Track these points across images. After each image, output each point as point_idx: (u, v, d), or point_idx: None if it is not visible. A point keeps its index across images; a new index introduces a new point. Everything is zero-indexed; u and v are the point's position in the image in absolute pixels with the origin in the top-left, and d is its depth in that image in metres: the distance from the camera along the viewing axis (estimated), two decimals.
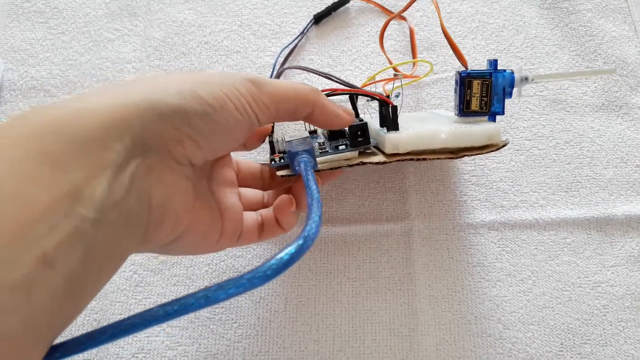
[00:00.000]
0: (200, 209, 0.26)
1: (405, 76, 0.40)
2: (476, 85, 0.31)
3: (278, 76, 0.40)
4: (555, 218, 0.37)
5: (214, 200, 0.29)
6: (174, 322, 0.36)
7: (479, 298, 0.35)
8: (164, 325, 0.36)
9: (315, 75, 0.34)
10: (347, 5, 0.47)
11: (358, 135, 0.31)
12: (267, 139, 0.33)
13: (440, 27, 0.34)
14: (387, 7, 0.46)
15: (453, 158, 0.31)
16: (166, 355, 0.35)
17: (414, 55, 0.43)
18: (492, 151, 0.31)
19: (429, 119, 0.36)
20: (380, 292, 0.36)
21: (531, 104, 0.41)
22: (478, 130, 0.30)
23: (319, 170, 0.30)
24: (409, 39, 0.44)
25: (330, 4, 0.46)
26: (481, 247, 0.37)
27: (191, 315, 0.36)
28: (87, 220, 0.17)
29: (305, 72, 0.43)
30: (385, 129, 0.31)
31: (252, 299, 0.36)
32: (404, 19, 0.45)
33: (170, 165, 0.22)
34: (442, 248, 0.37)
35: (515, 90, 0.32)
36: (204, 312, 0.36)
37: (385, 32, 0.44)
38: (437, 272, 0.36)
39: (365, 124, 0.31)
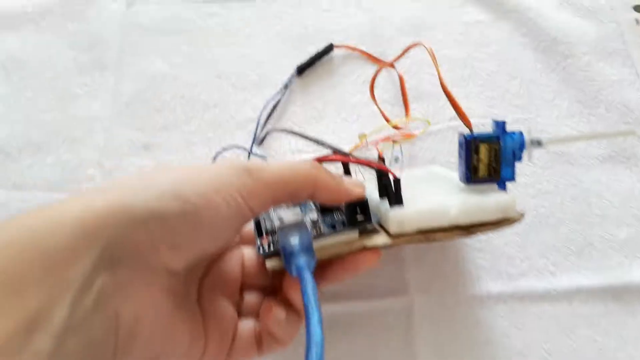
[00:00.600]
0: (180, 325, 0.22)
1: (403, 136, 0.36)
2: (483, 150, 0.27)
3: (262, 139, 0.36)
4: (567, 287, 0.32)
5: (199, 310, 0.24)
6: None
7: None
8: None
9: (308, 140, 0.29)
10: (331, 54, 0.43)
11: (357, 212, 0.26)
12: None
13: (434, 77, 0.30)
14: (373, 54, 0.42)
15: (464, 236, 0.26)
16: None
17: (405, 106, 0.39)
18: (508, 225, 0.26)
19: (430, 182, 0.32)
20: None
21: (534, 158, 0.37)
22: (491, 203, 0.26)
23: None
24: (398, 88, 0.40)
25: (313, 54, 0.42)
26: (488, 322, 0.32)
27: None
28: (43, 353, 0.16)
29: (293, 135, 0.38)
30: (386, 202, 0.26)
31: None
32: (392, 66, 0.40)
33: (143, 276, 0.20)
34: (446, 326, 0.32)
35: (525, 153, 0.28)
36: None
37: (367, 83, 0.39)
38: (442, 354, 0.31)
39: (366, 201, 0.26)
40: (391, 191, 0.26)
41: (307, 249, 0.23)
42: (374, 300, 0.33)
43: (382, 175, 0.26)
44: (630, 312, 0.32)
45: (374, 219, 0.26)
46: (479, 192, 0.27)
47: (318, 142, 0.27)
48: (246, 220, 0.23)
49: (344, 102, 0.40)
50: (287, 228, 0.24)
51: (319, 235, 0.26)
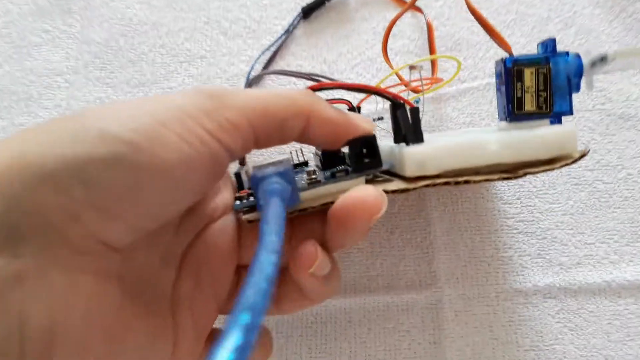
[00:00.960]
0: (133, 322, 0.17)
1: (425, 80, 0.30)
2: (529, 75, 0.22)
3: (250, 85, 0.30)
4: (633, 280, 0.27)
5: (168, 301, 0.19)
6: None
7: None
8: None
9: (301, 80, 0.24)
10: None
11: (364, 155, 0.20)
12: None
13: (473, 22, 0.23)
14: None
15: (509, 178, 0.20)
16: None
17: (433, 67, 0.32)
18: (567, 165, 0.20)
19: (465, 133, 0.26)
20: None
21: (590, 121, 0.31)
22: (544, 135, 0.21)
23: (304, 210, 0.20)
24: (426, 37, 0.34)
25: None
26: (535, 324, 0.27)
27: None
28: None
29: (285, 76, 0.32)
30: (403, 145, 0.21)
31: None
32: (419, 10, 0.34)
33: (60, 259, 0.14)
34: (482, 326, 0.27)
35: (583, 80, 0.22)
36: None
37: (394, 29, 0.33)
38: (476, 357, 0.26)
39: (374, 137, 0.20)
40: (407, 124, 0.21)
41: (284, 175, 0.18)
42: (396, 293, 0.28)
43: (397, 107, 0.21)
44: None
45: (386, 166, 0.21)
46: (525, 127, 0.22)
47: (316, 78, 0.22)
48: (221, 164, 0.17)
49: (360, 55, 0.34)
50: (264, 166, 0.19)
51: (316, 183, 0.20)
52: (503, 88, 0.22)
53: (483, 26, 0.23)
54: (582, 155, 0.21)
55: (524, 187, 0.30)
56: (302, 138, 0.19)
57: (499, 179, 0.20)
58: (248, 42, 0.35)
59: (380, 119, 0.28)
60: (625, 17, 0.34)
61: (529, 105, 0.22)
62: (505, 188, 0.30)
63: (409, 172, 0.20)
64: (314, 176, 0.21)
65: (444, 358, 0.26)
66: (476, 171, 0.20)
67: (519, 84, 0.22)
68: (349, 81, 0.33)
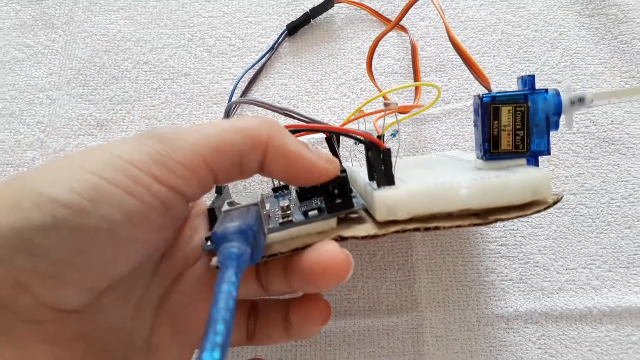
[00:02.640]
0: None
1: (402, 109, 0.33)
2: (506, 113, 0.23)
3: (227, 114, 0.33)
4: (614, 307, 0.30)
5: (145, 351, 0.21)
6: None
7: None
8: None
9: (277, 113, 0.26)
10: (331, 11, 0.40)
11: (335, 195, 0.22)
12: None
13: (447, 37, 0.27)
14: (383, 15, 0.39)
15: (480, 225, 0.22)
16: None
17: (416, 77, 0.36)
18: (540, 211, 0.22)
19: (439, 165, 0.28)
20: None
21: (574, 144, 0.35)
22: (516, 180, 0.22)
23: (274, 255, 0.22)
24: (411, 57, 0.37)
25: (307, 10, 0.39)
26: (516, 349, 0.30)
27: None
28: None
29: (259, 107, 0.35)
30: (374, 184, 0.23)
31: None
32: (404, 30, 0.38)
33: (14, 333, 0.15)
34: (462, 350, 0.30)
35: (563, 117, 0.24)
36: None
37: (378, 49, 0.37)
38: None
39: (345, 177, 0.22)
40: (378, 167, 0.22)
41: (246, 234, 0.19)
42: (377, 317, 0.31)
43: (370, 149, 0.23)
44: None
45: (358, 206, 0.23)
46: (502, 169, 0.24)
47: (290, 114, 0.24)
48: (176, 210, 0.18)
49: (345, 74, 0.38)
50: (234, 211, 0.21)
51: (288, 223, 0.23)
52: (479, 123, 0.24)
53: (463, 59, 0.26)
54: (556, 202, 0.22)
55: None
56: (263, 172, 0.20)
57: (469, 225, 0.22)
58: (232, 60, 0.38)
59: (394, 134, 0.30)
60: (611, 39, 0.38)
61: (505, 144, 0.24)
62: None
63: (379, 216, 0.22)
64: (288, 212, 0.23)
65: None
66: (447, 215, 0.22)
67: (495, 122, 0.23)
68: (333, 101, 0.37)
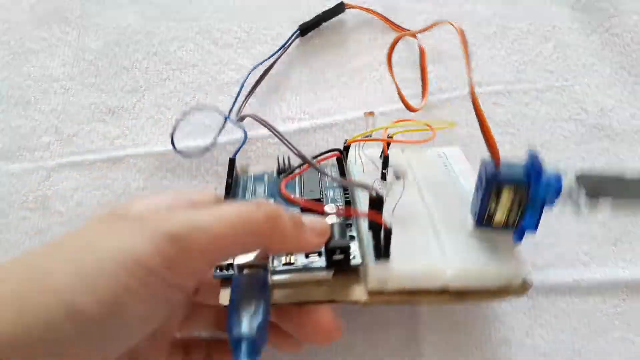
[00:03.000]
0: None
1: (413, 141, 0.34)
2: (507, 194, 0.25)
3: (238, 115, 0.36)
4: (602, 280, 0.33)
5: None
6: None
7: None
8: None
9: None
10: (342, 15, 0.42)
11: (335, 253, 0.25)
12: None
13: (454, 35, 0.29)
14: (393, 21, 0.42)
15: (454, 303, 0.26)
16: None
17: (423, 86, 0.38)
18: (509, 297, 0.26)
19: (435, 207, 0.29)
20: None
21: (566, 131, 0.37)
22: (494, 271, 0.26)
23: (273, 304, 0.25)
24: (416, 56, 0.39)
25: (320, 13, 0.41)
26: (507, 319, 0.32)
27: None
28: None
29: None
30: (372, 255, 0.26)
31: None
32: (414, 36, 0.40)
33: None
34: (454, 320, 0.32)
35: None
36: None
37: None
38: (450, 355, 0.32)
39: (348, 247, 0.25)
40: (378, 241, 0.26)
41: (257, 344, 0.22)
42: None
43: (372, 226, 0.26)
44: None
45: (356, 262, 0.26)
46: (484, 243, 0.27)
47: (289, 145, 0.27)
48: (174, 304, 0.21)
49: (352, 74, 0.40)
50: (244, 287, 0.24)
51: (290, 267, 0.26)
52: (481, 190, 0.25)
53: (483, 128, 0.25)
54: (524, 292, 0.26)
55: None
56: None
57: (446, 302, 0.26)
58: (238, 52, 0.41)
59: (399, 177, 0.30)
60: (602, 32, 0.40)
61: (498, 220, 0.26)
62: None
63: (371, 286, 0.26)
64: (291, 265, 0.26)
65: (418, 352, 0.32)
66: (427, 292, 0.26)
67: (495, 200, 0.25)
68: (341, 99, 0.39)
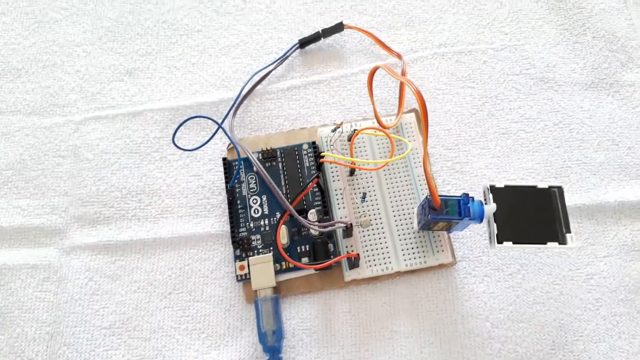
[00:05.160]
0: None
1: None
2: (441, 224, 0.29)
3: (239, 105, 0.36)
4: None
5: None
6: (135, 333, 0.32)
7: (465, 295, 0.32)
8: (125, 336, 0.32)
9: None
10: (340, 35, 0.39)
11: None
12: None
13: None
14: (388, 45, 0.38)
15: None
16: None
17: (399, 107, 0.35)
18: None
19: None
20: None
21: (517, 83, 0.38)
22: (434, 256, 0.32)
23: None
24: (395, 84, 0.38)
25: (320, 30, 0.39)
26: (466, 240, 0.34)
27: (154, 324, 0.32)
28: None
29: (270, 99, 0.38)
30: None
31: (222, 307, 0.32)
32: (399, 57, 0.37)
33: None
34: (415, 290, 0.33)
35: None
36: (169, 321, 0.32)
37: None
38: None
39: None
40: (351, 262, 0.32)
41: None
42: None
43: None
44: (602, 231, 0.33)
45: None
46: (425, 239, 0.32)
47: (273, 186, 0.32)
48: None
49: (343, 88, 0.38)
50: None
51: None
52: (424, 216, 0.28)
53: (426, 178, 0.28)
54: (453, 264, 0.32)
55: (460, 136, 0.36)
56: None
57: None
58: (237, 18, 0.40)
59: (364, 196, 0.33)
60: None
61: (435, 229, 0.30)
62: (446, 136, 0.36)
63: (345, 280, 0.32)
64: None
65: None
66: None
67: (434, 224, 0.29)
68: (326, 106, 0.39)
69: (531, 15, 0.40)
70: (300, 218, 0.31)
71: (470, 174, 0.35)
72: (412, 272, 0.32)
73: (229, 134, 0.33)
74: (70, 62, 0.39)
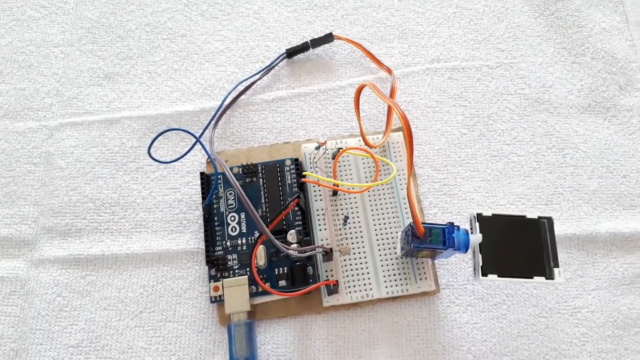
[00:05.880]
0: None
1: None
2: (425, 253, 0.28)
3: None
4: None
5: None
6: (104, 353, 0.31)
7: (447, 325, 0.31)
8: (93, 355, 0.31)
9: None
10: (329, 45, 0.38)
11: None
12: None
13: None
14: (377, 57, 0.37)
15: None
16: None
17: (387, 127, 0.33)
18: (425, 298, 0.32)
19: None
20: None
21: (511, 104, 0.36)
22: (415, 284, 0.31)
23: None
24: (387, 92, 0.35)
25: (308, 41, 0.37)
26: (450, 267, 0.32)
27: (123, 344, 0.31)
28: None
29: (252, 110, 0.36)
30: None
31: (194, 329, 0.31)
32: (389, 71, 0.36)
33: None
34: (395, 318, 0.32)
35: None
36: (139, 342, 0.31)
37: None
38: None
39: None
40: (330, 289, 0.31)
41: None
42: None
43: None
44: (592, 262, 0.32)
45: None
46: (408, 266, 0.31)
47: (250, 207, 0.28)
48: None
49: (330, 101, 0.37)
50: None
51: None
52: (407, 243, 0.27)
53: (412, 210, 0.26)
54: (436, 293, 0.31)
55: (450, 157, 0.35)
56: None
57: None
58: (223, 24, 0.39)
59: (346, 219, 0.32)
60: (548, 15, 0.39)
61: (419, 257, 0.30)
62: (435, 157, 0.35)
63: (325, 305, 0.31)
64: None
65: None
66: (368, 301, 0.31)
67: (417, 252, 0.28)
68: (313, 119, 0.37)
69: (529, 32, 0.38)
70: (278, 243, 0.29)
71: (458, 197, 0.34)
72: (394, 299, 0.31)
73: (207, 149, 0.32)
74: (47, 63, 0.38)
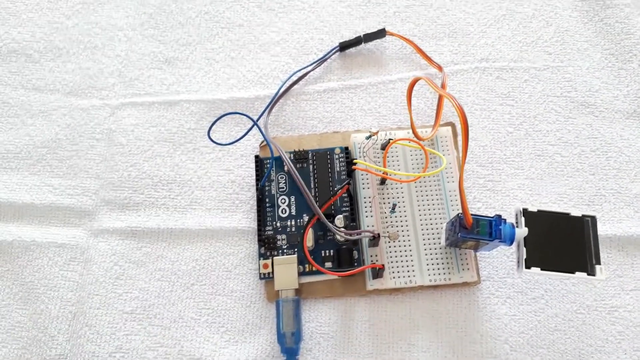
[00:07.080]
0: None
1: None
2: (470, 243, 0.29)
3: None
4: None
5: None
6: (156, 321, 0.33)
7: (486, 315, 0.32)
8: (145, 322, 0.33)
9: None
10: (382, 40, 0.39)
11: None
12: None
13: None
14: (428, 54, 0.38)
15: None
16: (146, 356, 0.32)
17: (435, 121, 0.35)
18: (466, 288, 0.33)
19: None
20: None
21: (557, 105, 0.37)
22: (458, 274, 0.32)
23: None
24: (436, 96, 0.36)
25: (361, 34, 0.38)
26: (492, 260, 0.33)
27: (174, 313, 0.33)
28: None
29: (305, 100, 0.38)
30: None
31: (242, 303, 0.33)
32: (440, 68, 0.37)
33: None
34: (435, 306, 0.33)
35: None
36: (189, 312, 0.33)
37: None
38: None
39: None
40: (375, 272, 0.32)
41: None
42: None
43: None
44: (631, 263, 0.33)
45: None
46: (451, 256, 0.32)
47: (304, 188, 0.31)
48: None
49: (380, 95, 0.38)
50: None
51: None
52: (453, 233, 0.29)
53: (462, 200, 0.27)
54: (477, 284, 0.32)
55: (495, 154, 0.36)
56: None
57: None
58: (279, 15, 0.41)
59: (393, 207, 0.33)
60: (597, 21, 0.39)
61: (463, 247, 0.31)
62: (481, 153, 0.36)
63: (369, 288, 0.32)
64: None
65: None
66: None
67: (463, 242, 0.29)
68: (362, 111, 0.39)
69: (577, 36, 0.39)
70: (330, 224, 0.31)
71: (502, 194, 0.35)
72: (435, 287, 0.32)
73: (264, 132, 0.33)
74: (111, 45, 0.40)
